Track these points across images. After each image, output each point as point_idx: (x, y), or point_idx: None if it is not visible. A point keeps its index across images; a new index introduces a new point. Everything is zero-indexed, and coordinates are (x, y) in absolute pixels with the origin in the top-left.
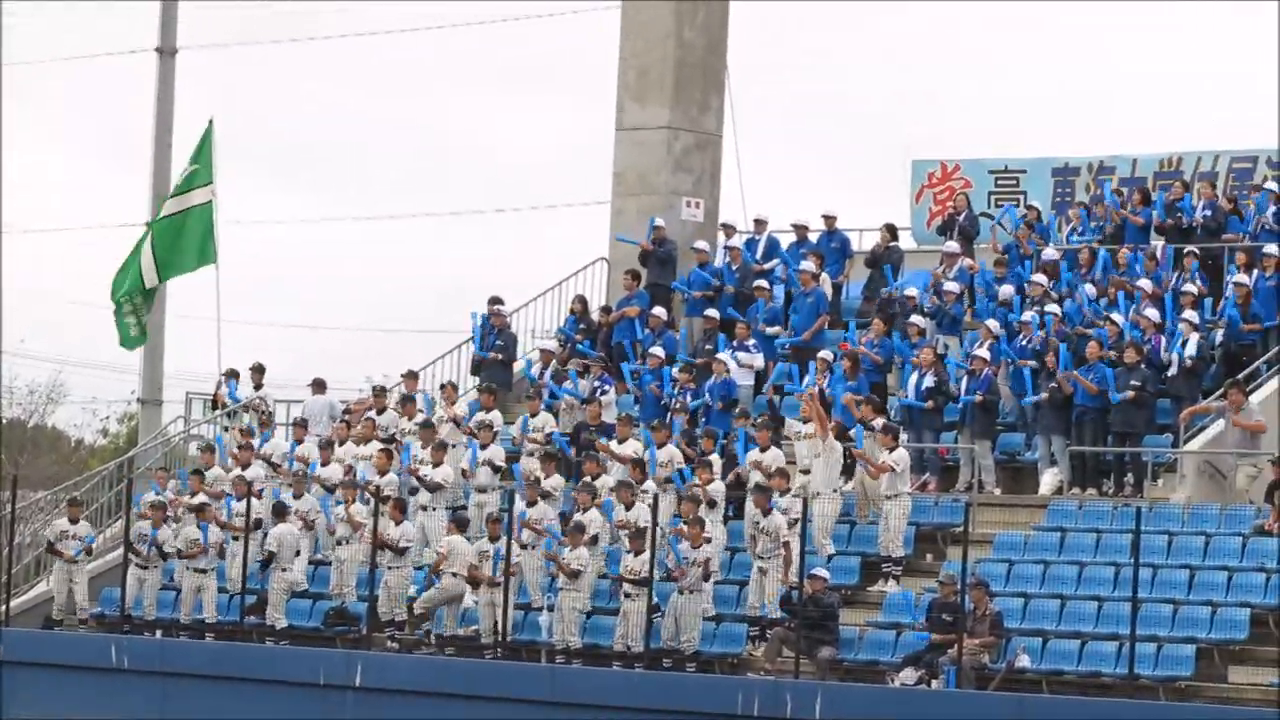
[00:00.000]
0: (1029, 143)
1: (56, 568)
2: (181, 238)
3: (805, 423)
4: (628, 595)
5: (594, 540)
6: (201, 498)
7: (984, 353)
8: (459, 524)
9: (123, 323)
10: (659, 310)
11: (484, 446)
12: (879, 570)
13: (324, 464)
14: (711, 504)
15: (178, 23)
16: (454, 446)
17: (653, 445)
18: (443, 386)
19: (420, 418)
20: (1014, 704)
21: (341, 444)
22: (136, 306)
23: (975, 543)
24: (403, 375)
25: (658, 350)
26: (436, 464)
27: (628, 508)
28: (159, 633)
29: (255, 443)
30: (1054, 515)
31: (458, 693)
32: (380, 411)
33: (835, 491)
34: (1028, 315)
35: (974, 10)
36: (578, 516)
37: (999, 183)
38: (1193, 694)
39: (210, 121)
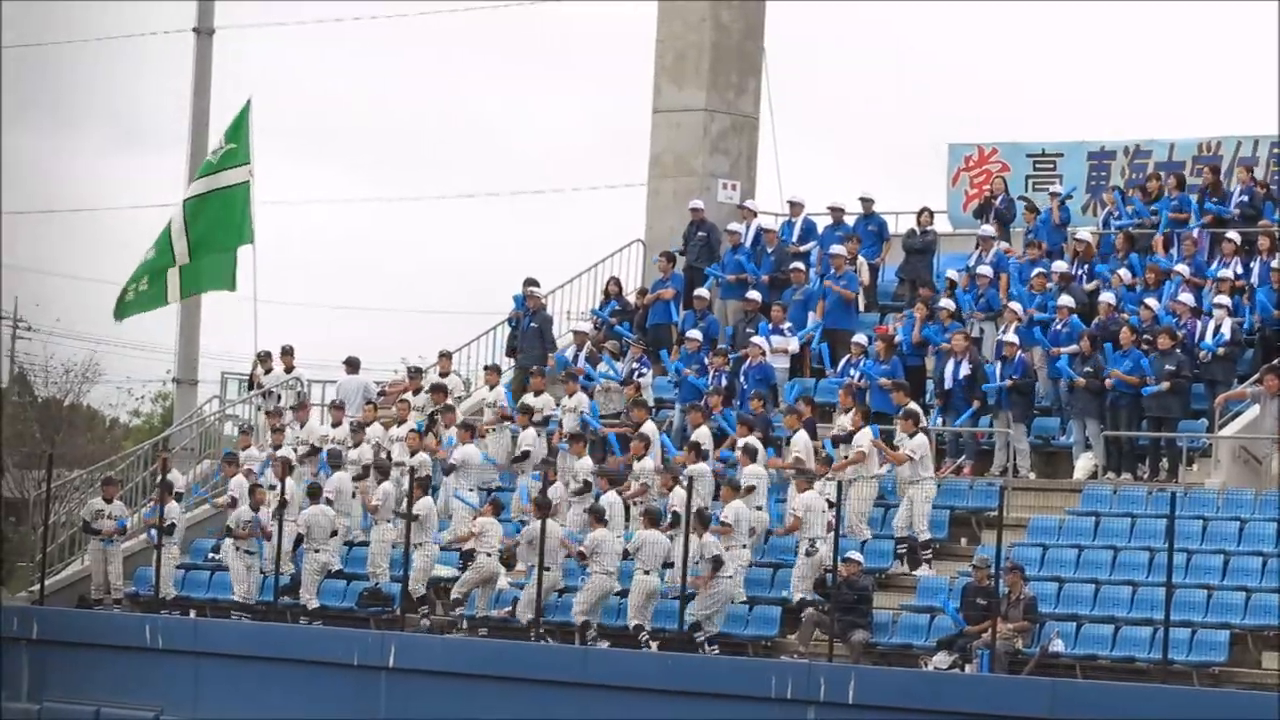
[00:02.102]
0: (1066, 128)
1: (92, 547)
2: (219, 217)
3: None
4: (648, 572)
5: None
6: (240, 480)
7: (1012, 337)
8: (494, 506)
9: (124, 297)
10: (702, 292)
11: (525, 427)
12: (915, 555)
13: (355, 445)
14: (750, 489)
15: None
16: (495, 430)
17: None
18: (486, 369)
19: (452, 399)
20: (1047, 688)
21: (369, 425)
22: (138, 280)
23: (1009, 527)
24: (440, 355)
25: (695, 333)
26: (462, 444)
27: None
28: (193, 613)
29: (285, 424)
30: (1089, 500)
31: (491, 674)
32: (416, 392)
33: (872, 477)
34: (1064, 299)
35: None
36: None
37: (1036, 166)
38: (1227, 679)
39: (248, 101)
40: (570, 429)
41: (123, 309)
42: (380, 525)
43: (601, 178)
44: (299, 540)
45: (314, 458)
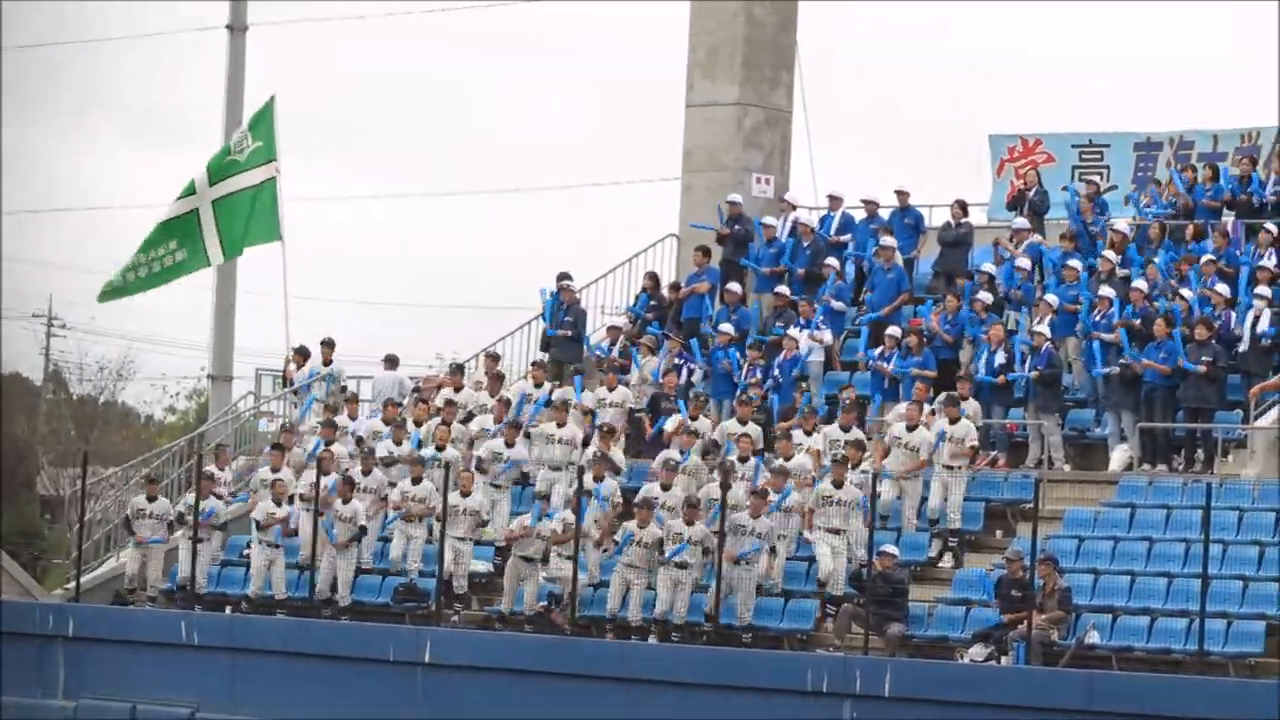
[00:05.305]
0: (1112, 118)
1: (133, 543)
2: (243, 214)
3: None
4: (680, 565)
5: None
6: (281, 473)
7: (1044, 328)
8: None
9: (121, 277)
10: (734, 286)
11: (560, 425)
12: (946, 545)
13: (397, 442)
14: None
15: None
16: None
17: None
18: (533, 364)
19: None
20: (1083, 680)
21: (399, 424)
22: (136, 268)
23: (1045, 519)
24: (485, 356)
25: (727, 327)
26: (509, 443)
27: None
28: (228, 609)
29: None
30: (1124, 491)
31: (527, 669)
32: (457, 389)
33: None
34: (1105, 290)
35: None
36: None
37: (1083, 157)
38: (1263, 671)
39: (271, 97)
40: (611, 421)
41: (112, 292)
42: (410, 520)
43: (635, 172)
44: (363, 531)
45: (370, 455)
